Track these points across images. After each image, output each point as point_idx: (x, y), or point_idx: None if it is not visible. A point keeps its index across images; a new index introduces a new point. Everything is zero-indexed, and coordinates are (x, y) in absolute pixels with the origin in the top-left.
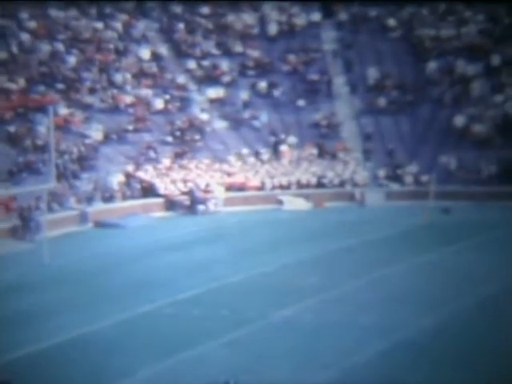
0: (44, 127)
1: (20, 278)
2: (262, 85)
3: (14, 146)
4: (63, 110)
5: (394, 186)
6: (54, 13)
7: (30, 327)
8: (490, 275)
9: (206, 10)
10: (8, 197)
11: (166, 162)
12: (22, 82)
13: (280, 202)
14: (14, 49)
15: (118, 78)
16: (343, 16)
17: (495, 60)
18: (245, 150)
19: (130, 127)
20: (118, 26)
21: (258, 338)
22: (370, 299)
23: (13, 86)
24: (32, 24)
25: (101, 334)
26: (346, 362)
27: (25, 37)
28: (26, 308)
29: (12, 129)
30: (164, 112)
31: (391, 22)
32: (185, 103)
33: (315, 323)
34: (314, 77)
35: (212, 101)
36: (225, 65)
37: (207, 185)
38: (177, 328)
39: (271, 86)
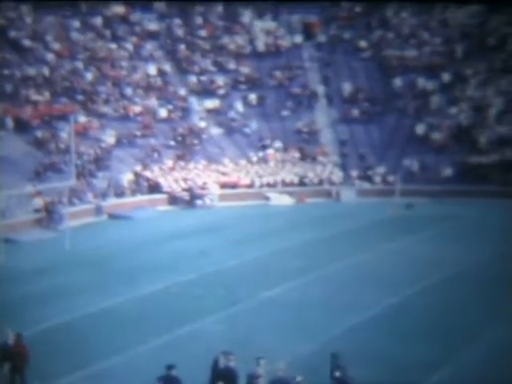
0: (66, 133)
1: (45, 261)
2: (252, 97)
3: (40, 149)
4: (82, 119)
5: (365, 185)
6: (75, 36)
7: (54, 304)
8: (446, 260)
9: (203, 33)
10: (35, 192)
11: (169, 163)
12: (47, 95)
13: (267, 198)
14: (41, 66)
15: (129, 90)
16: (322, 38)
17: (450, 77)
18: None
19: (139, 133)
20: (129, 46)
21: (250, 313)
22: (345, 281)
23: (40, 98)
24: (56, 45)
25: (115, 310)
26: (324, 335)
27: (50, 56)
28: (51, 288)
29: (39, 134)
30: (167, 120)
31: (363, 43)
32: (185, 112)
33: (298, 301)
34: (296, 90)
35: (209, 111)
36: (220, 80)
37: (204, 183)
38: (180, 305)
39: (260, 98)
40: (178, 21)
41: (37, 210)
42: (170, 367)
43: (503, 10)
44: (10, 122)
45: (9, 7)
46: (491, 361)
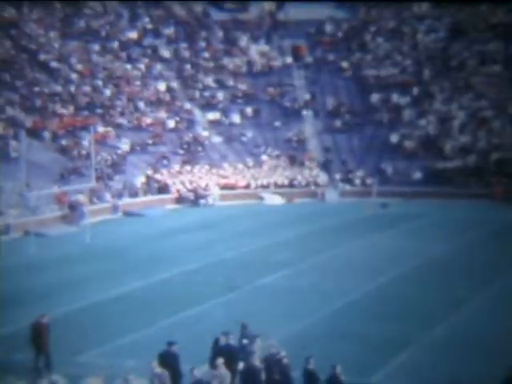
0: (87, 141)
1: (69, 253)
2: (248, 110)
3: (64, 155)
4: (101, 129)
5: (347, 187)
6: (95, 58)
7: (76, 290)
8: (415, 252)
9: (206, 54)
10: (61, 193)
11: (177, 167)
12: (71, 109)
13: (262, 198)
14: (66, 84)
15: (141, 104)
16: (309, 60)
17: (419, 94)
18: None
19: (150, 141)
20: (142, 66)
21: (246, 299)
22: (329, 270)
23: (65, 111)
24: (79, 66)
25: (129, 295)
26: (311, 318)
27: (74, 76)
28: (74, 275)
29: (64, 142)
30: (175, 130)
31: (344, 64)
32: (190, 124)
33: (288, 288)
34: (287, 104)
35: (211, 122)
36: (220, 95)
37: (207, 184)
38: (185, 291)
39: (255, 111)
40: (184, 44)
41: (70, 207)
42: (170, 343)
43: (464, 36)
44: (47, 135)
45: (40, 34)
46: (452, 342)
